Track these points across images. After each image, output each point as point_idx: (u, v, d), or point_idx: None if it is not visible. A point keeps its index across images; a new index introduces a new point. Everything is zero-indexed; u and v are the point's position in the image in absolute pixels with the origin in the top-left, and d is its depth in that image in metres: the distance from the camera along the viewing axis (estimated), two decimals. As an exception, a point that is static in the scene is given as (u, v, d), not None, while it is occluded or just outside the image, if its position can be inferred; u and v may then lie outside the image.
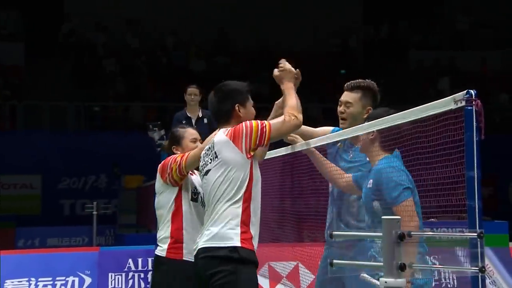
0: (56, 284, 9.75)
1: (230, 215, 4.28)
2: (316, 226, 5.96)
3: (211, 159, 4.45)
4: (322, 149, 5.15)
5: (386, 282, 2.28)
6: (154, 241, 9.72)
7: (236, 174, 4.33)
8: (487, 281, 8.13)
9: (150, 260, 10.04)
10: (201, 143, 5.23)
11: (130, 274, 10.14)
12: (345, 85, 5.16)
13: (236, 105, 4.51)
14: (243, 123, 4.42)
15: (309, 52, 20.80)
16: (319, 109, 19.50)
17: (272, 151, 5.51)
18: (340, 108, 5.15)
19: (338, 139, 4.97)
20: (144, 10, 20.82)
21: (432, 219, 6.32)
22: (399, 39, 22.15)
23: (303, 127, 5.13)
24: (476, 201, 3.39)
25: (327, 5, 21.71)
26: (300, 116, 4.51)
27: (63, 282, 9.78)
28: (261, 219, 4.42)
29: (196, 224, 4.99)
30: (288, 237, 7.22)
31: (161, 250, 5.28)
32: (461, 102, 3.53)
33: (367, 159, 4.64)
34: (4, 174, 17.10)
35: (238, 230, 4.24)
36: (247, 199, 4.31)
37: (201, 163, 4.58)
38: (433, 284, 4.18)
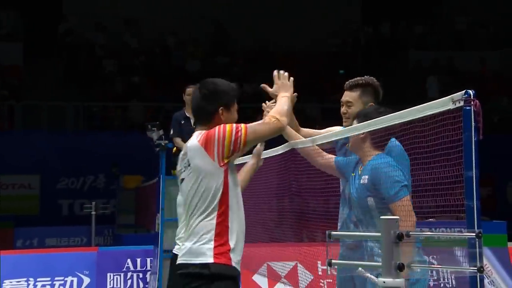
0: (54, 284, 9.75)
1: (203, 229, 3.99)
2: (315, 226, 5.96)
3: (185, 167, 4.16)
4: (331, 150, 5.15)
5: (384, 282, 2.28)
6: (152, 241, 9.77)
7: (208, 185, 4.01)
8: (486, 281, 8.13)
9: (148, 260, 10.05)
10: None
11: (129, 274, 10.15)
12: (345, 85, 5.17)
13: (221, 107, 4.16)
14: (217, 127, 4.05)
15: (308, 52, 20.83)
16: (318, 109, 19.51)
17: (269, 150, 5.50)
18: (342, 109, 5.18)
19: (335, 138, 4.97)
20: (142, 10, 20.82)
21: (431, 219, 6.33)
22: (397, 39, 22.16)
23: (309, 130, 5.13)
24: (475, 201, 3.40)
25: (325, 5, 21.73)
26: (284, 119, 4.18)
27: (62, 282, 9.79)
28: (247, 224, 4.15)
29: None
30: (287, 237, 7.22)
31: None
32: (459, 102, 3.53)
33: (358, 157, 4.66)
34: (2, 174, 17.09)
35: (211, 245, 3.95)
36: (223, 211, 4.00)
37: (178, 168, 4.30)
38: (431, 283, 4.19)
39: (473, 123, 3.44)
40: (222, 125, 4.05)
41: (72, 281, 9.85)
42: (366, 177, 4.43)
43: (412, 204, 4.34)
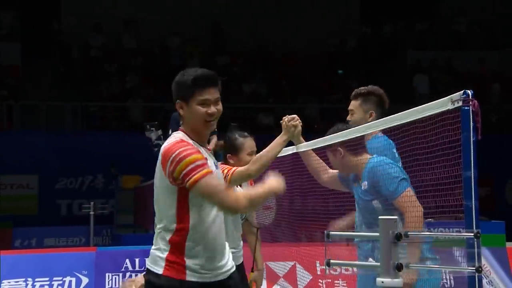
0: (53, 284, 9.74)
1: (161, 239, 3.73)
2: (314, 226, 5.97)
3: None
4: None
5: (383, 282, 2.29)
6: (151, 241, 9.77)
7: (163, 197, 3.73)
8: (484, 281, 8.13)
9: (146, 260, 10.05)
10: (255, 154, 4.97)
11: (127, 274, 10.13)
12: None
13: (177, 101, 3.76)
14: (178, 147, 3.62)
15: (307, 52, 20.83)
16: (317, 109, 19.51)
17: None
18: (348, 117, 5.28)
19: (332, 142, 4.99)
20: (141, 10, 20.80)
21: (430, 219, 6.33)
22: (396, 39, 22.16)
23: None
24: (473, 201, 3.41)
25: (324, 5, 21.73)
26: (247, 207, 3.77)
27: (60, 282, 9.78)
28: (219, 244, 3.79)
29: None
30: (286, 237, 7.23)
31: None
32: (458, 103, 3.54)
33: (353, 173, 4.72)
34: (1, 174, 17.09)
35: (164, 255, 3.69)
36: (182, 228, 3.67)
37: None
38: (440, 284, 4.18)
39: (471, 123, 3.45)
40: (183, 149, 3.62)
41: (70, 281, 9.83)
42: (365, 182, 4.48)
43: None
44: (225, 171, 4.58)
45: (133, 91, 19.30)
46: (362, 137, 4.54)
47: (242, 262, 5.37)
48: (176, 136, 3.76)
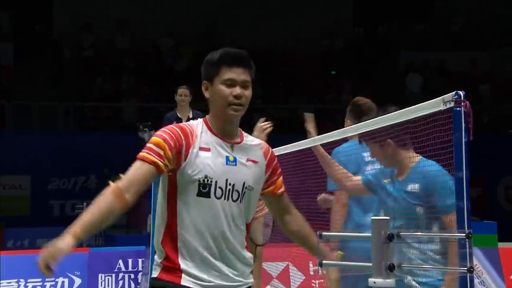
0: (45, 285, 9.72)
1: (156, 241, 3.52)
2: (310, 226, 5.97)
3: None
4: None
5: (375, 282, 2.30)
6: (144, 242, 9.75)
7: (161, 187, 3.51)
8: (476, 281, 8.16)
9: (140, 260, 10.04)
10: None
11: (120, 275, 10.13)
12: None
13: (203, 82, 3.49)
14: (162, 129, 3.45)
15: (301, 53, 20.84)
16: (311, 109, 19.50)
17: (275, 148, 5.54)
18: None
19: (335, 138, 5.02)
20: (134, 11, 20.79)
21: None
22: (389, 39, 22.20)
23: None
24: (465, 202, 3.42)
25: (317, 6, 21.75)
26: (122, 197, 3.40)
27: (53, 283, 9.76)
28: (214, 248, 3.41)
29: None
30: (279, 237, 7.23)
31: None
32: (450, 103, 3.56)
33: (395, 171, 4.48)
34: (-7, 175, 17.06)
35: (160, 258, 3.47)
36: (171, 224, 3.42)
37: None
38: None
39: (463, 124, 3.47)
40: (158, 132, 3.44)
41: (63, 282, 9.83)
42: (416, 185, 4.25)
43: None
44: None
45: (126, 92, 19.28)
46: (408, 131, 4.36)
47: None
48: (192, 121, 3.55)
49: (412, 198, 4.29)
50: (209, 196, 3.37)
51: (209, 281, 3.38)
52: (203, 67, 3.49)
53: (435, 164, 4.23)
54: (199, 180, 3.34)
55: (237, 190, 3.41)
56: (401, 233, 2.66)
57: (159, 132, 3.41)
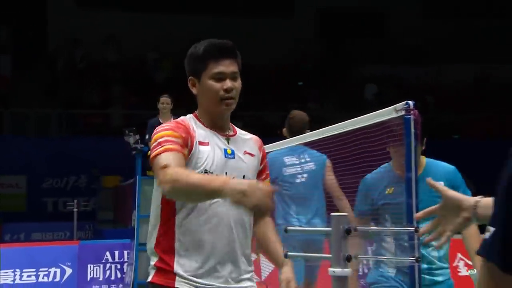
0: (39, 275, 9.64)
1: (150, 242, 2.99)
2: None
3: None
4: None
5: (334, 271, 2.30)
6: (129, 235, 9.70)
7: (155, 188, 2.94)
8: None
9: (126, 252, 9.99)
10: None
11: (108, 265, 10.08)
12: None
13: (189, 78, 2.99)
14: (157, 128, 2.92)
15: (271, 66, 20.88)
16: (280, 116, 19.55)
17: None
18: None
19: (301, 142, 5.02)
20: (122, 27, 20.69)
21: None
22: (349, 54, 22.32)
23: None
24: (413, 199, 3.44)
25: (285, 26, 21.82)
26: (168, 182, 2.64)
27: (46, 273, 9.68)
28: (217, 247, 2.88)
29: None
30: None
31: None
32: (401, 112, 3.59)
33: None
34: (-8, 175, 16.88)
35: (154, 260, 2.96)
36: (165, 223, 2.90)
37: None
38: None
39: (412, 130, 3.50)
40: (161, 127, 2.91)
41: (55, 272, 9.76)
42: (442, 183, 3.70)
43: None
44: None
45: (113, 100, 19.19)
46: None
47: None
48: (182, 117, 3.03)
49: (436, 194, 4.02)
50: None
51: (208, 284, 2.87)
52: (187, 62, 2.98)
53: (446, 164, 4.10)
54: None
55: None
56: (357, 228, 2.67)
57: (159, 129, 2.88)
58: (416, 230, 2.06)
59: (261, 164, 3.11)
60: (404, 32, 22.59)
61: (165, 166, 2.66)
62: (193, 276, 2.85)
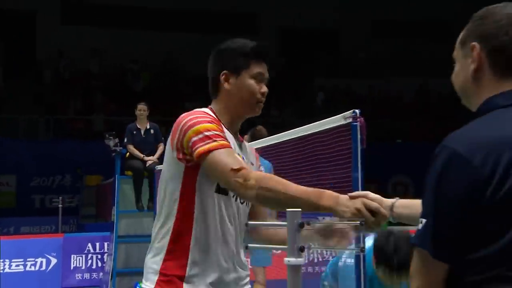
0: (26, 264, 9.52)
1: (155, 241, 2.36)
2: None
3: None
4: None
5: (289, 261, 2.30)
6: (109, 229, 9.62)
7: (165, 180, 2.36)
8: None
9: (106, 244, 9.92)
10: None
11: (89, 255, 10.01)
12: None
13: (223, 72, 2.43)
14: (187, 115, 2.32)
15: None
16: (244, 122, 19.53)
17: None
18: None
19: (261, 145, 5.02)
20: (104, 41, 20.52)
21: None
22: (306, 68, 22.42)
23: None
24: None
25: (249, 37, 21.79)
26: (254, 189, 2.11)
27: (33, 262, 9.57)
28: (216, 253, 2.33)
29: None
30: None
31: None
32: (349, 119, 3.62)
33: None
34: (-16, 175, 16.60)
35: (158, 265, 2.33)
36: (180, 222, 2.30)
37: None
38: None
39: (359, 135, 3.53)
40: (197, 116, 2.31)
41: (41, 261, 9.65)
42: None
43: None
44: None
45: (95, 107, 19.01)
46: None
47: None
48: (199, 109, 2.44)
49: None
50: (227, 194, 2.31)
51: None
52: (225, 55, 2.44)
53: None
54: None
55: None
56: (310, 221, 2.68)
57: (194, 117, 2.29)
58: (362, 224, 2.08)
59: None
60: (354, 48, 22.82)
61: (240, 168, 2.14)
62: (202, 284, 2.29)
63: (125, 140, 9.65)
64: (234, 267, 2.37)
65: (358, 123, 3.51)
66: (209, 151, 2.19)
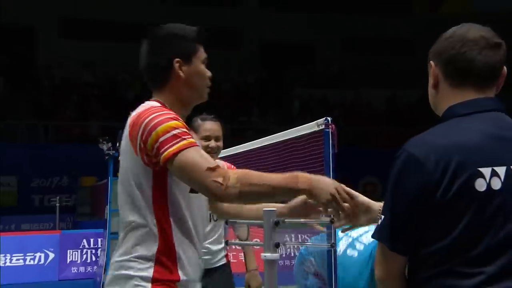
0: (26, 259, 9.45)
1: (127, 252, 2.03)
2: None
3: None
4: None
5: (265, 256, 2.30)
6: (103, 226, 9.56)
7: (134, 184, 1.99)
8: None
9: (100, 240, 9.85)
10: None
11: (84, 250, 9.95)
12: None
13: (176, 59, 2.08)
14: (154, 111, 1.99)
15: (223, 85, 20.87)
16: (228, 128, 19.52)
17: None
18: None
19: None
20: (98, 53, 20.42)
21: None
22: (286, 79, 22.47)
23: None
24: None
25: (233, 50, 21.87)
26: (236, 192, 1.87)
27: (32, 257, 9.50)
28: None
29: None
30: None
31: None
32: (322, 126, 3.62)
33: None
34: (-12, 176, 16.43)
35: (151, 271, 2.02)
36: (162, 228, 1.98)
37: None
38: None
39: (330, 141, 3.54)
40: (158, 114, 1.97)
41: (40, 256, 9.58)
42: None
43: None
44: None
45: (91, 114, 18.92)
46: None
47: (225, 264, 3.64)
48: (148, 103, 2.11)
49: None
50: (197, 191, 1.98)
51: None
52: (174, 42, 2.10)
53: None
54: None
55: None
56: (286, 220, 2.68)
57: (156, 116, 1.96)
58: (332, 221, 2.09)
59: None
60: (328, 61, 22.95)
61: (216, 167, 1.86)
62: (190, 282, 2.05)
63: (118, 145, 9.58)
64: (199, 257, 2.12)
65: (330, 130, 3.52)
66: (179, 151, 1.87)
